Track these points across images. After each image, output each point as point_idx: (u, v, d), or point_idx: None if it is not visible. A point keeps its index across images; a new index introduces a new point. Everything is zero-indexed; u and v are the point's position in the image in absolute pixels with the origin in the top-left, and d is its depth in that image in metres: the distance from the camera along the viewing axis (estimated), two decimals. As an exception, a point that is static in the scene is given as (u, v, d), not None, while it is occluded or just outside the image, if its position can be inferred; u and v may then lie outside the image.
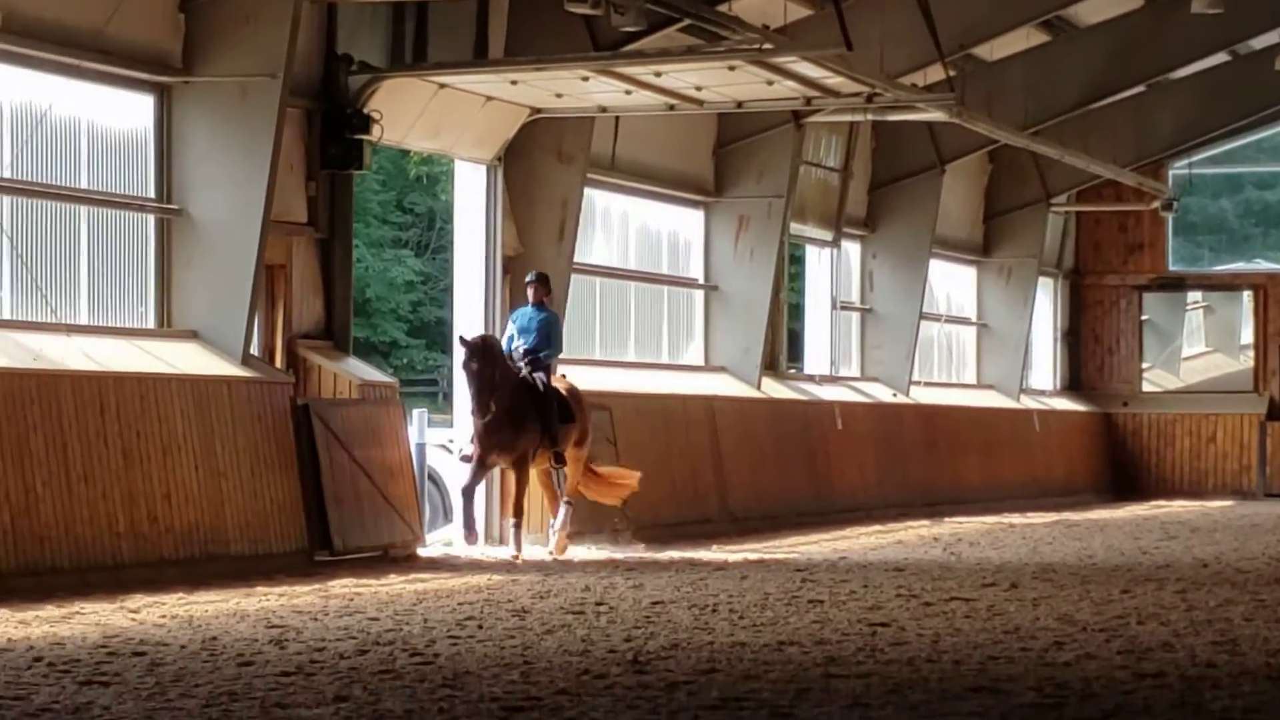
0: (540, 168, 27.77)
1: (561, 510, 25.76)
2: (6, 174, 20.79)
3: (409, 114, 25.37)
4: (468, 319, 27.61)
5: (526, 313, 25.35)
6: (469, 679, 13.04)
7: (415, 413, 28.64)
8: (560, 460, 25.35)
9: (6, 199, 20.89)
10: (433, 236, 48.66)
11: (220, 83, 22.30)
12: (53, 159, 21.64)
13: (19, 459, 19.21)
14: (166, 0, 22.19)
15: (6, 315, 20.87)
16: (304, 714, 11.44)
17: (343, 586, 20.21)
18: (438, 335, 42.26)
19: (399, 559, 23.62)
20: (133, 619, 16.79)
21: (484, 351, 24.01)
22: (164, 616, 16.96)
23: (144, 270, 22.64)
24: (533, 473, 25.72)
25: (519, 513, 25.09)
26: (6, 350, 20.00)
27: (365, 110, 24.29)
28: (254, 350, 22.86)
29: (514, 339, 25.24)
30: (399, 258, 49.27)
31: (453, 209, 29.71)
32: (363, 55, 24.67)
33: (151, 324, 22.55)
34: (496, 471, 26.23)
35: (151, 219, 22.63)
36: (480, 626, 16.41)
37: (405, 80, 24.94)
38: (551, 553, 25.24)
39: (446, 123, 26.30)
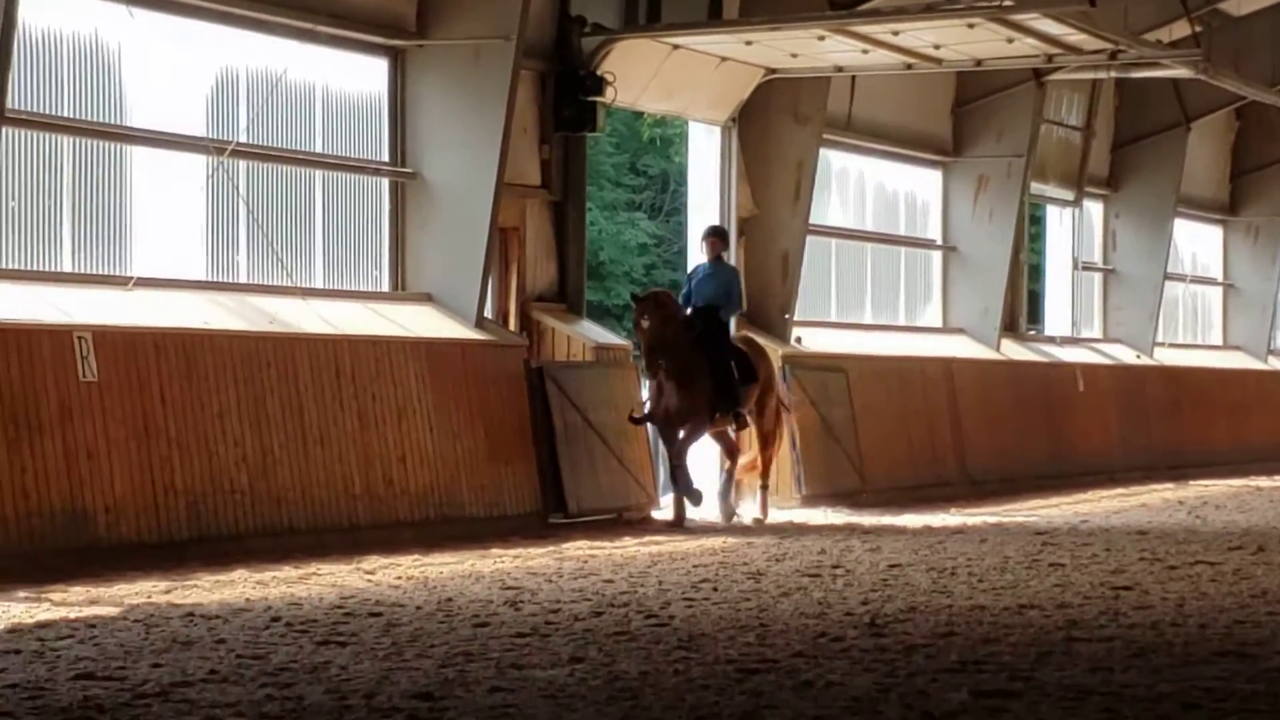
0: (775, 129, 27.73)
1: (758, 494, 25.16)
2: (244, 138, 21.01)
3: (642, 76, 25.42)
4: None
5: (704, 268, 24.24)
6: (704, 641, 13.09)
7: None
8: (741, 422, 24.11)
9: (244, 163, 21.13)
10: (666, 199, 48.58)
11: (454, 46, 22.46)
12: (288, 124, 21.90)
13: (256, 421, 19.46)
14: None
15: (244, 279, 21.13)
16: (539, 675, 11.53)
17: (577, 549, 20.32)
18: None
19: (633, 521, 23.70)
20: (369, 580, 16.99)
21: (656, 308, 22.97)
22: (399, 578, 17.15)
23: (378, 234, 22.87)
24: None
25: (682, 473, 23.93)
26: (243, 314, 20.26)
27: (599, 72, 24.36)
28: (487, 313, 23.02)
29: (690, 295, 24.15)
30: (632, 220, 49.30)
31: (686, 171, 29.75)
32: (596, 17, 24.76)
33: (386, 287, 22.77)
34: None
35: (386, 183, 22.86)
36: (715, 589, 16.45)
37: (639, 41, 24.98)
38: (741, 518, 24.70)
39: (680, 84, 26.33)
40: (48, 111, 19.24)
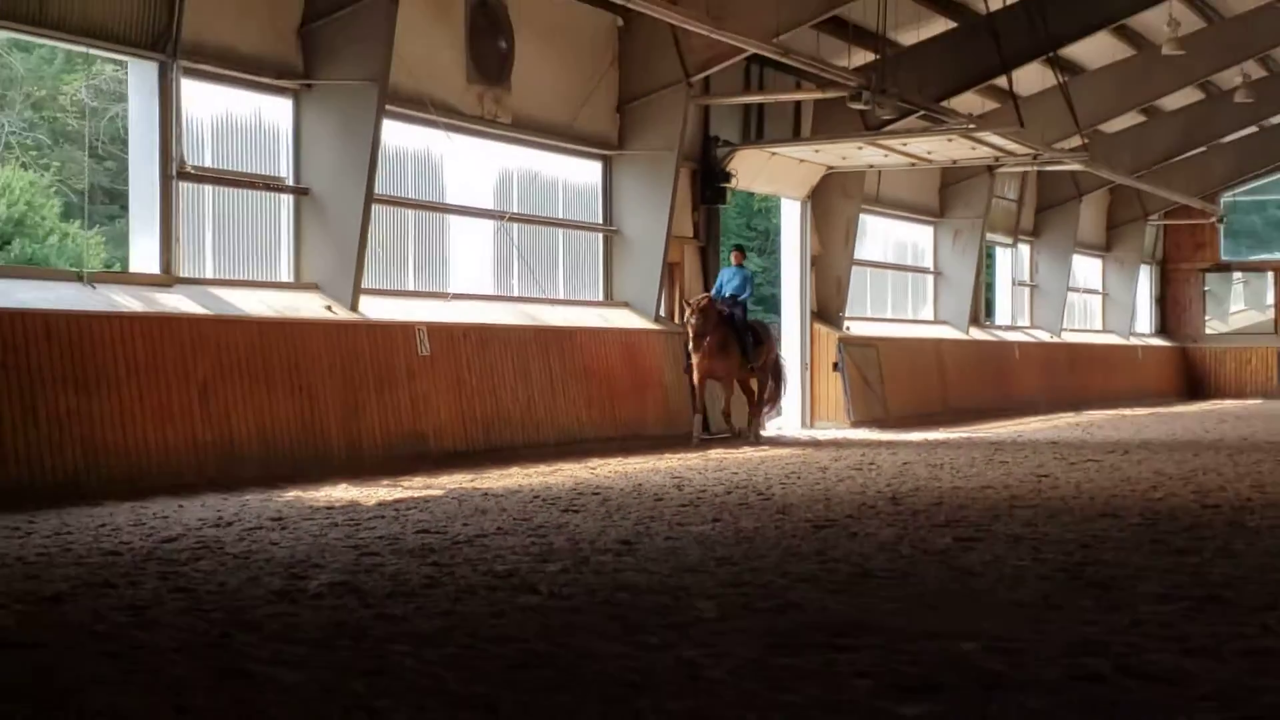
0: (833, 201, 27.62)
1: (755, 420, 23.35)
2: (516, 210, 21.11)
3: (753, 170, 25.31)
4: (789, 294, 27.58)
5: (730, 270, 22.81)
6: (793, 508, 13.00)
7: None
8: (753, 372, 22.71)
9: (517, 225, 21.19)
10: (768, 244, 48.66)
11: (641, 154, 22.43)
12: (543, 202, 21.93)
13: (525, 378, 19.53)
14: (609, 103, 22.32)
15: (516, 293, 21.20)
16: (694, 529, 11.47)
17: (715, 454, 20.26)
18: (772, 304, 42.09)
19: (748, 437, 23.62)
20: (592, 473, 16.98)
21: (703, 312, 21.48)
22: (610, 472, 17.13)
23: (595, 268, 22.87)
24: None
25: (728, 414, 22.57)
26: (516, 314, 20.32)
27: (727, 169, 24.29)
28: (662, 312, 22.96)
29: (721, 287, 22.67)
30: (749, 257, 49.65)
31: (780, 227, 29.59)
32: (725, 135, 24.67)
33: (600, 297, 22.75)
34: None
35: (601, 236, 22.82)
36: (799, 477, 16.35)
37: (750, 150, 24.89)
38: (753, 439, 22.77)
39: (776, 175, 26.21)
40: (400, 195, 19.31)
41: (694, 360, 21.68)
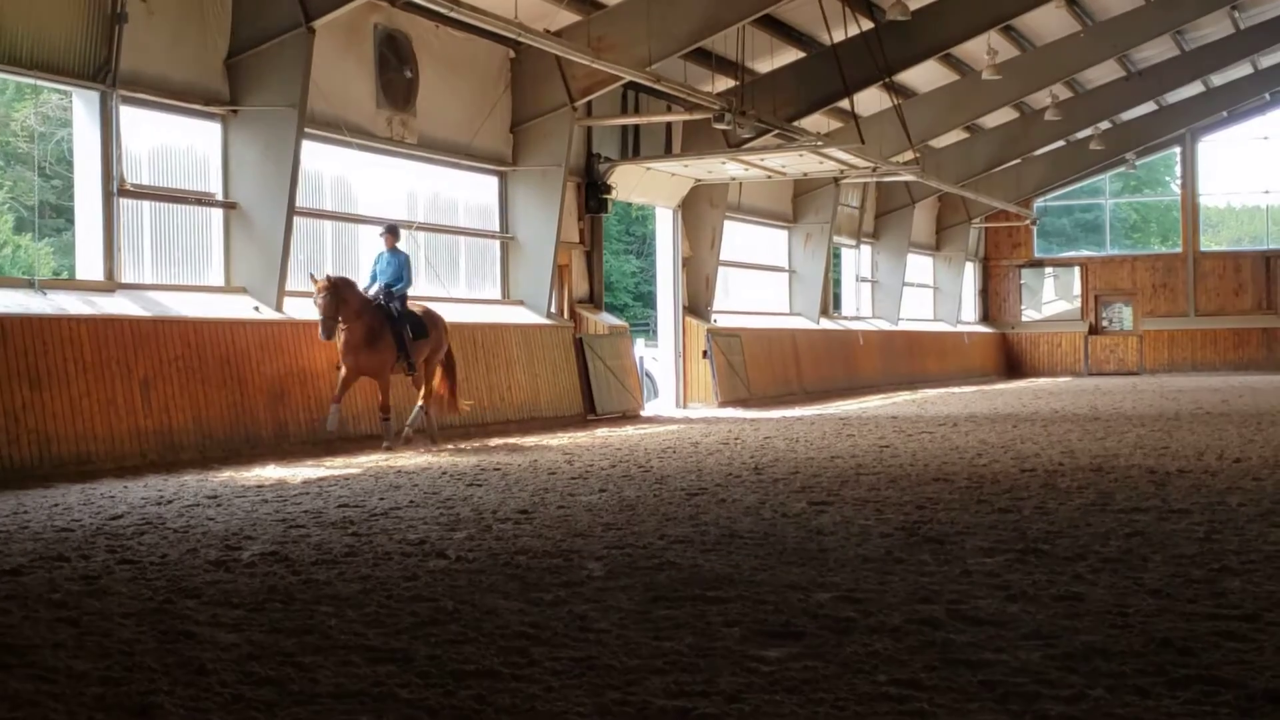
0: (701, 209, 27.69)
1: (415, 410, 17.97)
2: (421, 220, 20.90)
3: (631, 183, 25.30)
4: (664, 291, 27.61)
5: (384, 256, 17.53)
6: (669, 479, 13.04)
7: (637, 341, 28.77)
8: (412, 368, 17.35)
9: (421, 234, 20.99)
10: (645, 247, 48.71)
11: (533, 170, 22.33)
12: (445, 213, 21.71)
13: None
14: (503, 125, 22.20)
15: (418, 294, 21.01)
16: (583, 499, 11.47)
17: (602, 433, 20.26)
18: (649, 300, 42.20)
19: (630, 417, 23.62)
20: (491, 451, 16.89)
21: (329, 291, 16.24)
22: (508, 450, 17.06)
23: (494, 270, 22.71)
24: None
25: (386, 411, 17.15)
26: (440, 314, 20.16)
27: (608, 182, 24.26)
28: (552, 309, 22.90)
29: (375, 276, 17.52)
30: (627, 259, 49.50)
31: (655, 232, 29.61)
32: (606, 152, 24.63)
33: (499, 296, 22.63)
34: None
35: (497, 243, 22.69)
36: (674, 452, 16.39)
37: (629, 165, 24.87)
38: (388, 446, 17.02)
39: (650, 187, 26.20)
40: (318, 208, 19.04)
41: (341, 353, 16.82)
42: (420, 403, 17.90)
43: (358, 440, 17.50)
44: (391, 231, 17.71)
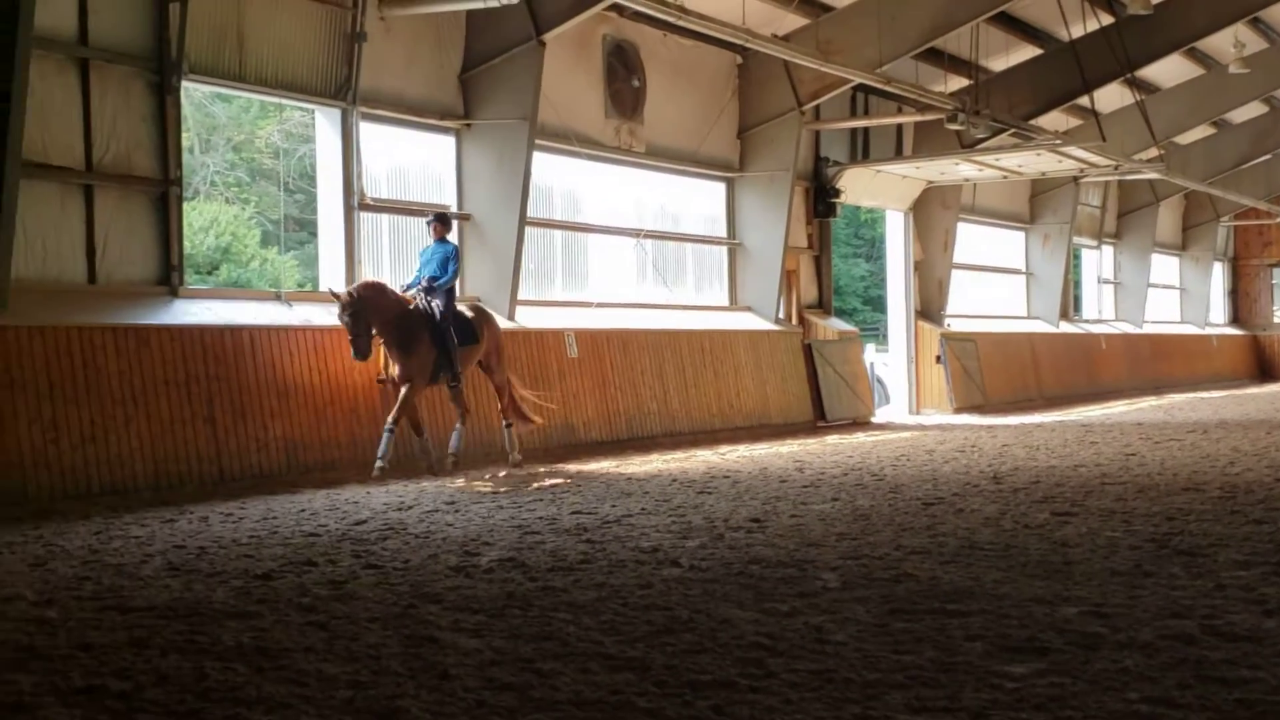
0: (933, 212, 27.26)
1: (454, 433, 15.43)
2: (650, 228, 21.10)
3: (860, 186, 25.07)
4: (895, 295, 27.31)
5: (429, 248, 15.49)
6: (904, 488, 12.89)
7: (868, 346, 28.53)
8: (456, 380, 15.09)
9: (650, 241, 21.18)
10: (875, 250, 48.27)
11: (760, 175, 22.31)
12: (674, 221, 21.85)
13: (660, 376, 19.48)
14: (730, 131, 22.24)
15: (651, 301, 21.11)
16: (815, 508, 11.41)
17: (833, 440, 20.12)
18: (879, 304, 41.82)
19: (861, 424, 23.39)
20: (722, 458, 16.95)
21: (351, 306, 14.19)
22: (739, 458, 17.09)
23: (721, 274, 22.74)
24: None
25: (418, 428, 14.93)
26: (663, 321, 20.27)
27: (836, 186, 24.11)
28: (781, 315, 22.83)
29: (420, 271, 15.42)
30: (856, 263, 49.18)
31: (885, 235, 29.26)
32: (835, 155, 24.47)
33: (725, 302, 22.66)
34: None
35: (725, 249, 22.73)
36: (908, 460, 16.20)
37: (857, 168, 24.65)
38: (516, 460, 15.72)
39: (880, 190, 25.92)
40: (548, 218, 19.39)
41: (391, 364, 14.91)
42: (457, 424, 15.44)
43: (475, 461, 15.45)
44: (440, 220, 15.55)
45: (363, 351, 14.28)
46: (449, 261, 15.21)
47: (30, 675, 5.73)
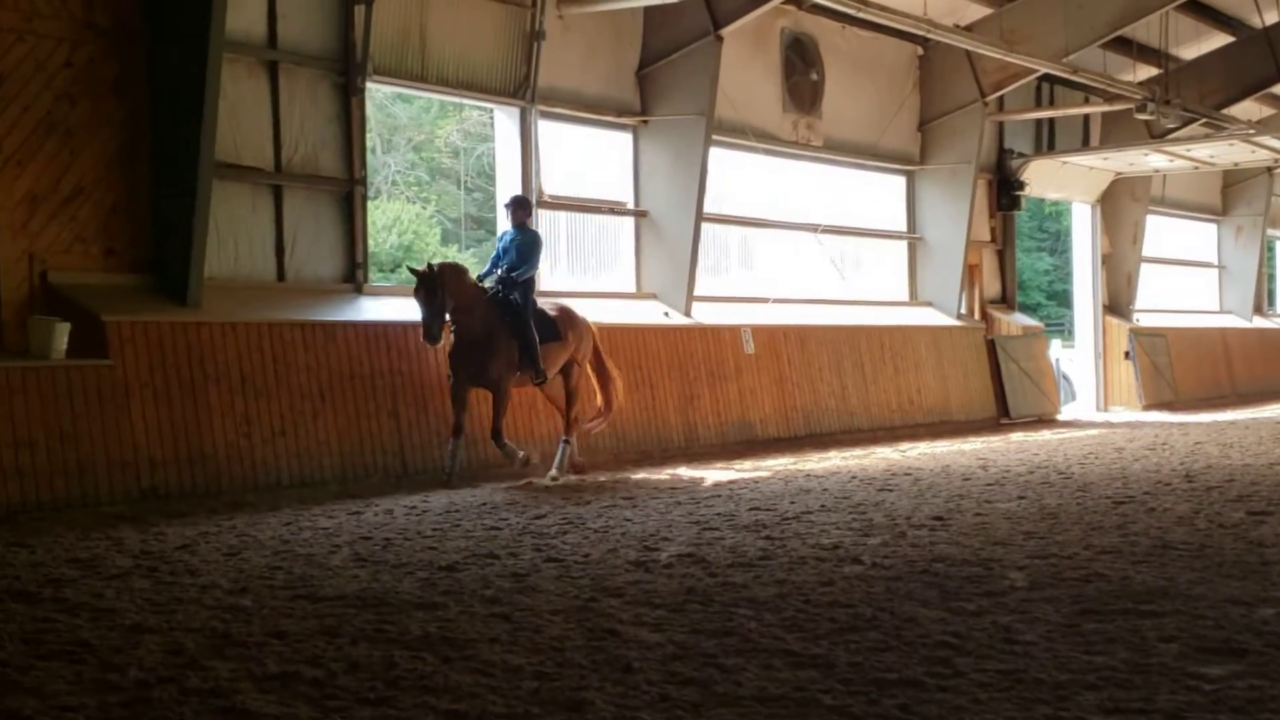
0: (1121, 204, 26.59)
1: (559, 449, 14.17)
2: (828, 224, 20.95)
3: (1045, 178, 24.59)
4: (1081, 290, 26.73)
5: (508, 234, 14.13)
6: (1092, 486, 12.61)
7: (1053, 341, 27.97)
8: (540, 376, 13.75)
9: (828, 236, 21.04)
10: (1059, 244, 47.36)
11: (942, 168, 22.02)
12: (853, 215, 21.66)
13: (839, 372, 19.37)
14: (911, 124, 22.00)
15: (829, 298, 20.95)
16: (1000, 506, 11.23)
17: (1017, 437, 19.77)
18: (1063, 299, 41.00)
19: (1046, 421, 22.93)
20: (903, 455, 16.76)
21: (427, 282, 12.95)
22: (919, 455, 16.88)
23: (900, 269, 22.51)
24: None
25: (498, 435, 13.49)
26: (829, 317, 20.13)
27: (1020, 178, 23.68)
28: (963, 310, 22.51)
29: (498, 258, 14.00)
30: (1040, 257, 48.30)
31: (1071, 228, 28.63)
32: (1019, 147, 24.04)
33: (905, 298, 22.40)
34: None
35: (905, 243, 22.48)
36: (1096, 457, 15.84)
37: (1043, 160, 24.18)
38: (554, 477, 13.74)
39: (1067, 182, 25.38)
40: (725, 213, 19.36)
41: (449, 361, 13.61)
42: (565, 436, 14.30)
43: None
44: (520, 205, 14.23)
45: (434, 335, 13.02)
46: (531, 251, 13.86)
47: (227, 662, 5.91)
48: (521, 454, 13.52)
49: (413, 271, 13.23)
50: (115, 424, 11.36)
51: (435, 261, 13.87)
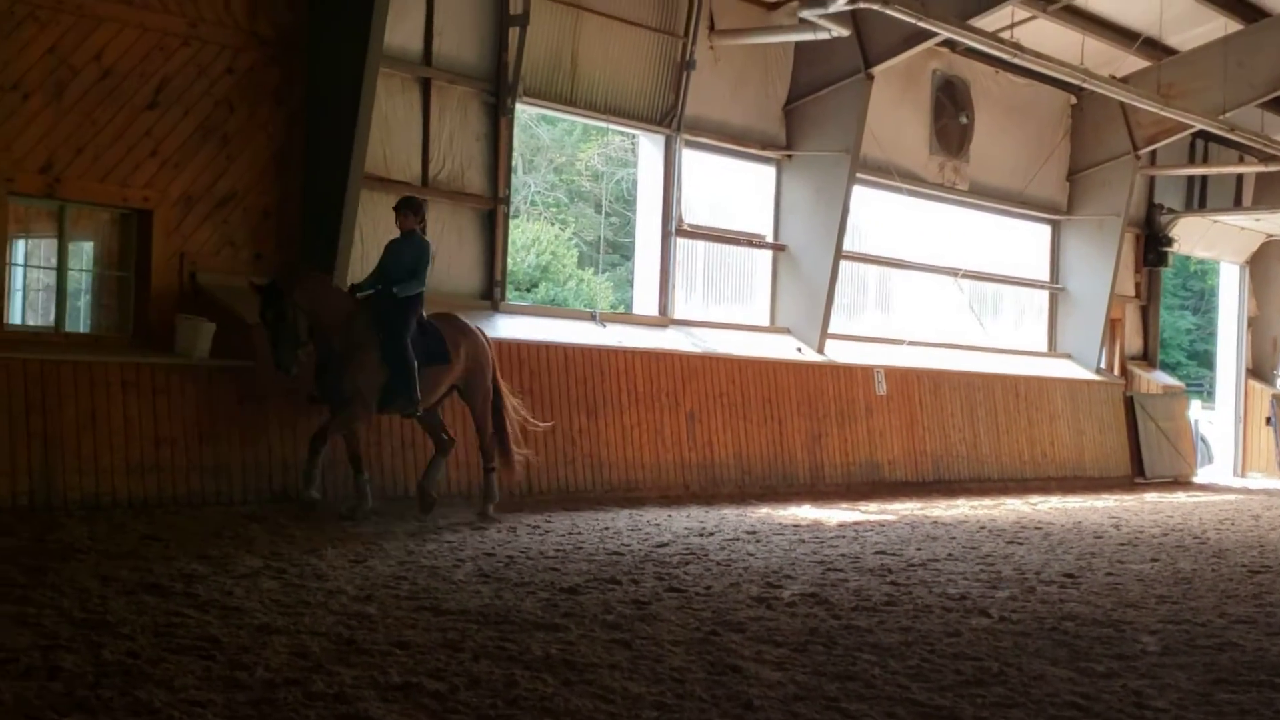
0: (1271, 267, 26.07)
1: (485, 480, 12.21)
2: (968, 269, 20.71)
3: (1194, 235, 24.16)
4: (1225, 351, 26.13)
5: (396, 242, 11.76)
6: (1228, 553, 12.30)
7: (1192, 402, 27.36)
8: (412, 407, 11.54)
9: (967, 281, 20.81)
10: (1203, 303, 46.31)
11: (1089, 219, 21.72)
12: (996, 261, 21.41)
13: (971, 419, 19.14)
14: (1059, 173, 21.71)
15: (965, 343, 20.69)
16: (1133, 567, 10.99)
17: (1151, 497, 19.37)
18: (1204, 359, 40.14)
19: (1182, 483, 22.42)
20: (1032, 508, 16.49)
21: (273, 300, 10.88)
22: (1050, 509, 16.60)
23: (1039, 317, 22.20)
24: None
25: (356, 461, 11.52)
26: (966, 363, 19.87)
27: (1169, 234, 23.27)
28: (1101, 365, 22.12)
29: (385, 271, 11.65)
30: (1183, 315, 47.34)
31: (1218, 288, 28.03)
32: (1169, 203, 23.61)
33: (1044, 349, 22.09)
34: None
35: (1046, 293, 22.17)
36: (1232, 524, 15.45)
37: (1193, 217, 23.75)
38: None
39: (1216, 241, 24.92)
40: (864, 252, 19.24)
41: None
42: (488, 464, 12.26)
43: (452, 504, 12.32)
44: (409, 207, 11.84)
45: (285, 364, 10.85)
46: (419, 262, 11.68)
47: (351, 669, 5.98)
48: (316, 494, 11.05)
49: (255, 287, 10.92)
50: (252, 426, 11.58)
51: (286, 274, 11.39)
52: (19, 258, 11.85)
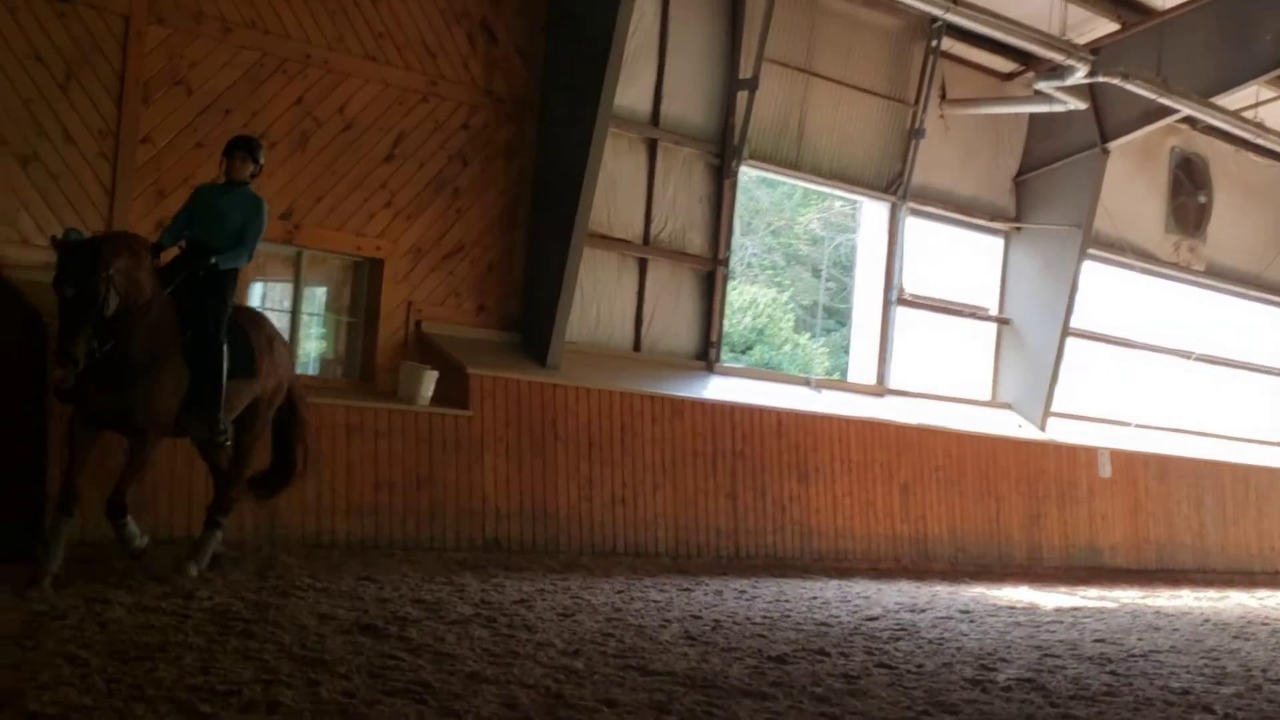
0: None
1: (205, 534, 9.24)
2: (1201, 351, 20.05)
3: None
4: None
5: (210, 190, 9.04)
6: None
7: None
8: (222, 434, 8.81)
9: (1202, 365, 20.14)
10: None
11: None
12: (1235, 347, 20.65)
13: (1198, 506, 18.50)
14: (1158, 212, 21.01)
15: (1187, 428, 19.99)
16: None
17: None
18: None
19: None
20: (1261, 603, 15.78)
21: (82, 261, 7.82)
22: (1276, 604, 15.86)
23: (1276, 406, 21.35)
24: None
25: (120, 505, 8.40)
26: (1190, 448, 19.20)
27: None
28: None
29: (183, 226, 8.90)
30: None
31: None
32: None
33: (1279, 438, 21.24)
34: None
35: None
36: None
37: None
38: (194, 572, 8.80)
39: None
40: (1092, 330, 18.76)
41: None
42: (216, 516, 9.33)
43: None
44: (247, 149, 9.10)
45: (73, 357, 7.80)
46: (250, 227, 8.94)
47: (559, 721, 6.02)
48: (142, 539, 8.71)
49: (56, 244, 7.96)
50: (468, 473, 11.81)
51: (109, 236, 8.42)
52: (255, 300, 12.33)
